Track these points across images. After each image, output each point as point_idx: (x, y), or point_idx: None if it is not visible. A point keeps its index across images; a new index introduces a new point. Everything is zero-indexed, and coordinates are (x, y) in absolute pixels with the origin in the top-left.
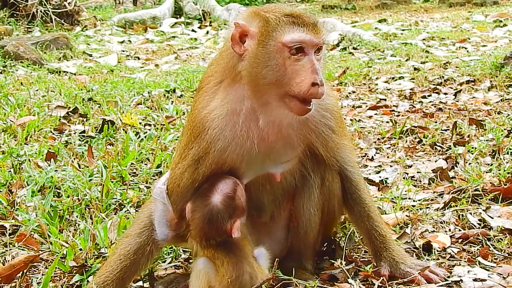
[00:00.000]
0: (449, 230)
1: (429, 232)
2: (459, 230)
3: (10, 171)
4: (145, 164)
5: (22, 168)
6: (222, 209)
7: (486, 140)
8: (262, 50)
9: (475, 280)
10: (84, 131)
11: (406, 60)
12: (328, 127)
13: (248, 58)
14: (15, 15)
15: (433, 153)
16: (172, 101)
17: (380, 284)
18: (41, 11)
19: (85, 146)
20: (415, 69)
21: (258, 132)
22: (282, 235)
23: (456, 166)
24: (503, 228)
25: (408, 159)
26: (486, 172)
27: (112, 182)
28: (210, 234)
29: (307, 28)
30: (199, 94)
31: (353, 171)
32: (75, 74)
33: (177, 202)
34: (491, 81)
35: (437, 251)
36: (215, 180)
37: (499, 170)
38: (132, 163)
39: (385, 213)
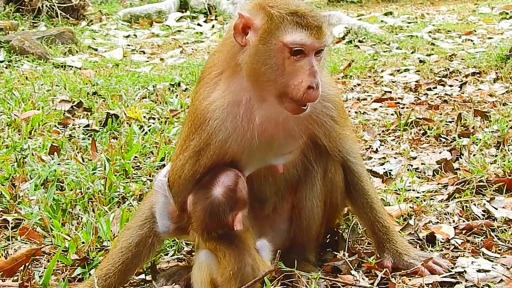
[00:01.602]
0: (453, 221)
1: (433, 224)
2: (463, 221)
3: (13, 165)
4: (149, 157)
5: (25, 162)
6: (223, 202)
7: (491, 131)
8: (262, 47)
9: (478, 271)
10: (88, 125)
11: (412, 53)
12: (330, 117)
13: (249, 52)
14: (20, 10)
15: (437, 145)
16: (177, 95)
17: (383, 276)
18: (46, 6)
19: (88, 139)
20: (420, 61)
21: (258, 124)
22: (284, 227)
23: (461, 158)
24: (507, 219)
25: (412, 150)
26: (491, 163)
27: (115, 175)
28: (211, 226)
29: (311, 30)
30: (200, 85)
31: (356, 162)
32: (80, 69)
33: (179, 194)
34: (496, 73)
35: (441, 242)
36: (217, 172)
37: (504, 161)
38: (135, 157)
39: (389, 205)
